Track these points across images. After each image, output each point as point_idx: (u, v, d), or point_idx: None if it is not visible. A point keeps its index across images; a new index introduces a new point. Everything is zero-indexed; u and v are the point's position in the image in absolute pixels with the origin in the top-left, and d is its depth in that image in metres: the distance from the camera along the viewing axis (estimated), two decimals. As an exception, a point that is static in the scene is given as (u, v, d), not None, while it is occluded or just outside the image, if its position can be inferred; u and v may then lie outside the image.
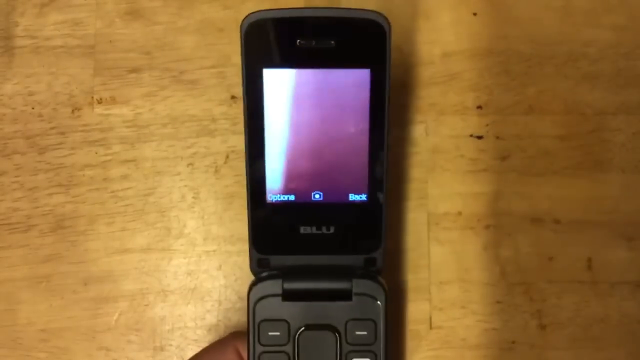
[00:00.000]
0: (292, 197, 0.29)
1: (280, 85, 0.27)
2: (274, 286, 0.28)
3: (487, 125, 0.36)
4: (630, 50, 0.36)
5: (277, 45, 0.27)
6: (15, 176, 0.35)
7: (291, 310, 0.28)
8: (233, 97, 0.35)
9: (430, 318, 0.35)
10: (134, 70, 0.35)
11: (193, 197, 0.35)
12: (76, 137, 0.35)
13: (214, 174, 0.35)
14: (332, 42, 0.27)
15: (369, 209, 0.29)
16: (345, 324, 0.28)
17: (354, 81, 0.27)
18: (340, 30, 0.27)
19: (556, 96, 0.36)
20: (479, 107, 0.36)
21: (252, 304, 0.28)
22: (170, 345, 0.34)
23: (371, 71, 0.27)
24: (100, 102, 0.35)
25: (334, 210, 0.29)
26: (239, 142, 0.35)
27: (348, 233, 0.29)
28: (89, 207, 0.35)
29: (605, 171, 0.36)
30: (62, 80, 0.35)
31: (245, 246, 0.34)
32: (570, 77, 0.36)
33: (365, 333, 0.28)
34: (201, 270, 0.34)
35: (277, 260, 0.29)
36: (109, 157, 0.35)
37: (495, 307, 0.35)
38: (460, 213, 0.35)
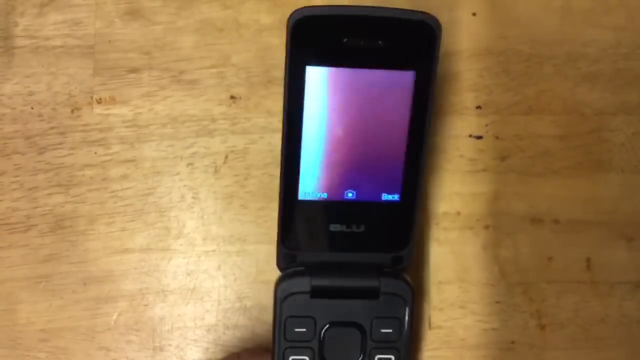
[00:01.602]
0: (324, 195, 0.29)
1: (322, 83, 0.27)
2: (302, 283, 0.28)
3: (487, 125, 0.36)
4: (630, 50, 0.36)
5: (324, 43, 0.26)
6: (15, 176, 0.35)
7: (318, 307, 0.28)
8: (232, 97, 0.35)
9: (430, 318, 0.35)
10: (134, 70, 0.35)
11: (192, 197, 0.35)
12: (76, 137, 0.35)
13: (214, 174, 0.35)
14: (380, 42, 0.26)
15: (401, 208, 0.29)
16: (371, 322, 0.29)
17: (397, 82, 0.27)
18: (389, 31, 0.26)
19: (556, 96, 0.36)
20: (478, 107, 0.36)
21: (280, 300, 0.28)
22: (170, 345, 0.34)
23: (416, 73, 0.27)
24: (99, 102, 0.35)
25: (366, 209, 0.29)
26: (238, 142, 0.35)
27: (378, 231, 0.29)
28: (89, 207, 0.35)
29: (605, 171, 0.36)
30: (61, 80, 0.35)
31: (245, 246, 0.35)
32: (570, 77, 0.36)
33: (390, 331, 0.29)
34: (200, 270, 0.34)
35: (304, 256, 0.29)
36: (108, 157, 0.35)
37: (494, 307, 0.35)
38: (459, 213, 0.35)
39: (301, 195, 0.28)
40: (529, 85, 0.36)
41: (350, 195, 0.29)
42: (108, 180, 0.35)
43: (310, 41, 0.26)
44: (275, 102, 0.35)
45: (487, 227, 0.35)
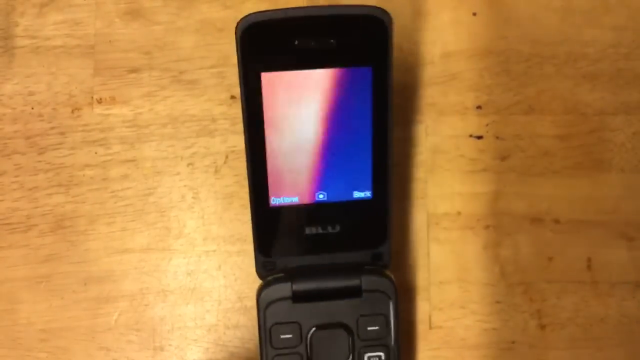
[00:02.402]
0: (295, 199, 0.29)
1: (280, 87, 0.27)
2: (283, 289, 0.28)
3: (487, 125, 0.36)
4: (630, 50, 0.36)
5: (275, 47, 0.26)
6: (15, 176, 0.35)
7: (302, 312, 0.28)
8: (233, 97, 0.35)
9: (430, 318, 0.35)
10: (134, 70, 0.35)
11: (193, 197, 0.35)
12: (76, 137, 0.35)
13: (214, 174, 0.35)
14: (332, 40, 0.26)
15: (374, 204, 0.29)
16: (357, 321, 0.28)
17: (355, 80, 0.27)
18: (340, 28, 0.26)
19: (556, 96, 0.36)
20: (479, 107, 0.36)
21: (262, 308, 0.28)
22: (170, 345, 0.34)
23: (373, 69, 0.27)
24: (100, 102, 0.35)
25: (339, 209, 0.29)
26: (238, 142, 0.35)
27: (354, 230, 0.29)
28: (89, 207, 0.35)
29: (605, 171, 0.36)
30: (62, 80, 0.35)
31: (245, 246, 0.34)
32: (570, 77, 0.36)
33: (377, 328, 0.29)
34: (201, 270, 0.34)
35: (283, 262, 0.29)
36: (109, 157, 0.35)
37: (494, 307, 0.35)
38: (459, 213, 0.35)
39: (272, 202, 0.28)
40: (529, 85, 0.36)
41: (321, 196, 0.29)
42: (108, 180, 0.35)
43: (261, 47, 0.26)
44: (276, 102, 0.35)
45: (487, 227, 0.35)
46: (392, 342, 0.29)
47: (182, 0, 0.36)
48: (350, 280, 0.28)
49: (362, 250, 0.29)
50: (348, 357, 0.29)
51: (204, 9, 0.36)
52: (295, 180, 0.28)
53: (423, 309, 0.35)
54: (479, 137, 0.36)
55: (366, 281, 0.28)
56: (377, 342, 0.29)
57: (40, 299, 0.34)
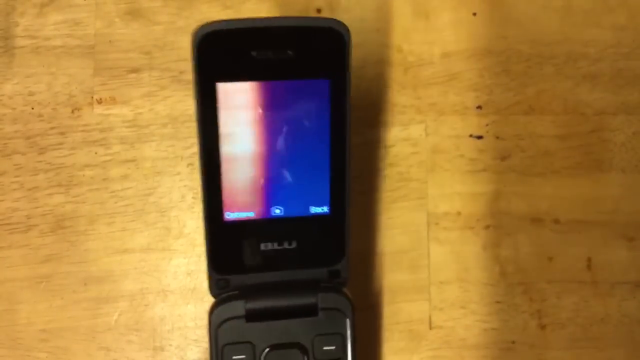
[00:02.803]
0: (251, 214, 0.28)
1: (236, 98, 0.26)
2: (236, 308, 0.27)
3: (487, 125, 0.36)
4: (630, 50, 0.36)
5: (232, 57, 0.26)
6: (15, 176, 0.35)
7: (255, 331, 0.27)
8: (233, 97, 0.35)
9: (430, 318, 0.35)
10: (134, 70, 0.35)
11: (193, 197, 0.35)
12: (76, 137, 0.35)
13: (214, 174, 0.35)
14: (290, 52, 0.25)
15: (332, 220, 0.28)
16: (312, 340, 0.28)
17: (313, 92, 0.26)
18: (298, 40, 0.26)
19: (556, 96, 0.36)
20: (479, 107, 0.36)
21: (214, 328, 0.27)
22: (170, 345, 0.34)
23: (331, 82, 0.26)
24: (100, 102, 0.35)
25: (296, 225, 0.28)
26: (238, 142, 0.35)
27: (310, 246, 0.28)
28: (89, 207, 0.35)
29: (605, 171, 0.36)
30: (62, 80, 0.35)
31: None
32: (570, 77, 0.36)
33: (333, 348, 0.28)
34: (201, 270, 0.34)
35: (237, 279, 0.28)
36: (109, 157, 0.35)
37: (494, 307, 0.35)
38: (459, 213, 0.35)
39: (226, 217, 0.27)
40: (529, 85, 0.36)
41: (277, 211, 0.28)
42: (108, 180, 0.35)
43: (217, 57, 0.25)
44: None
45: (487, 227, 0.35)
46: None
47: (182, 0, 0.36)
48: (306, 298, 0.28)
49: (319, 267, 0.28)
50: None
51: (204, 9, 0.36)
52: (250, 195, 0.27)
53: (423, 309, 0.35)
54: (479, 137, 0.36)
55: (323, 299, 0.28)
56: None
57: (40, 299, 0.34)
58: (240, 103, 0.26)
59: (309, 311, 0.28)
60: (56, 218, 0.34)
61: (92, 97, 0.35)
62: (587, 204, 0.35)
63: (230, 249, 0.28)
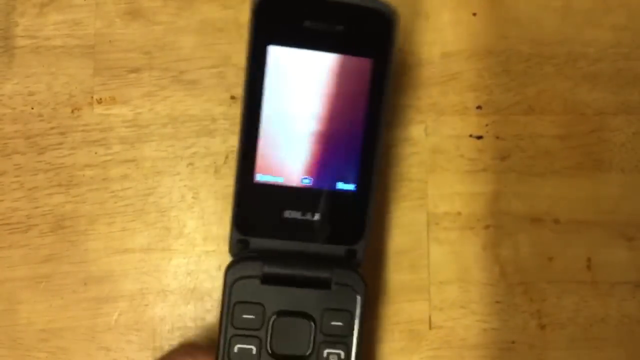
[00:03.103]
0: (280, 180, 0.28)
1: (284, 64, 0.27)
2: (254, 268, 0.28)
3: (487, 125, 0.36)
4: (630, 50, 0.36)
5: (286, 23, 0.27)
6: (15, 176, 0.35)
7: (268, 294, 0.28)
8: (233, 97, 0.35)
9: (430, 318, 0.35)
10: (134, 70, 0.35)
11: (193, 197, 0.35)
12: (76, 137, 0.35)
13: (214, 174, 0.35)
14: (340, 27, 0.27)
15: (356, 199, 0.29)
16: (322, 313, 0.28)
17: (355, 69, 0.27)
18: (349, 16, 0.27)
19: (556, 96, 0.36)
20: (479, 107, 0.36)
21: (229, 283, 0.27)
22: (170, 345, 0.34)
23: (373, 61, 0.27)
24: (100, 102, 0.35)
25: (321, 197, 0.29)
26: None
27: (332, 222, 0.29)
28: (89, 207, 0.35)
29: (605, 171, 0.36)
30: (61, 80, 0.35)
31: (245, 246, 0.34)
32: (570, 77, 0.36)
33: (340, 324, 0.28)
34: (201, 270, 0.34)
35: (257, 242, 0.28)
36: (109, 157, 0.35)
37: (494, 307, 0.35)
38: (459, 213, 0.35)
39: (257, 178, 0.28)
40: (529, 85, 0.36)
41: (306, 181, 0.28)
42: (108, 180, 0.35)
43: (272, 21, 0.27)
44: (276, 102, 0.35)
45: (487, 227, 0.35)
46: (354, 341, 0.28)
47: (182, 0, 0.36)
48: (322, 272, 0.28)
49: (337, 244, 0.29)
50: (308, 350, 0.28)
51: (204, 9, 0.36)
52: (283, 160, 0.28)
53: (423, 309, 0.35)
54: (479, 137, 0.36)
55: (337, 275, 0.28)
56: (338, 340, 0.28)
57: (40, 299, 0.34)
58: (287, 69, 0.27)
59: (323, 284, 0.28)
60: (56, 218, 0.34)
61: (92, 97, 0.35)
62: (587, 204, 0.35)
63: (255, 210, 0.29)
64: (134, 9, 0.36)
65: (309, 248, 0.29)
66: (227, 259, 0.35)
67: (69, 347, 0.34)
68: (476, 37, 0.36)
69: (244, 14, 0.36)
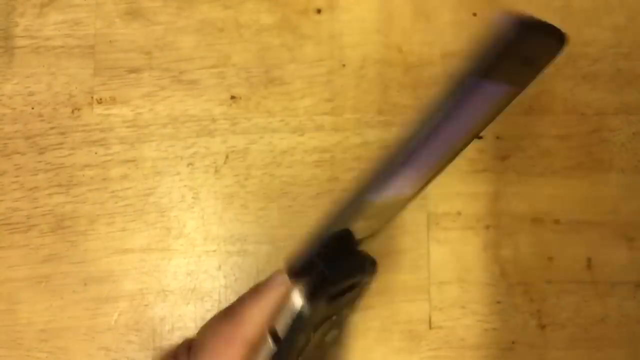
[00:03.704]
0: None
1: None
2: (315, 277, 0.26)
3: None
4: (630, 50, 0.36)
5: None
6: (15, 176, 0.35)
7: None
8: (233, 97, 0.35)
9: (430, 318, 0.35)
10: (134, 70, 0.35)
11: (193, 197, 0.35)
12: (76, 137, 0.35)
13: (214, 174, 0.35)
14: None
15: None
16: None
17: (489, 93, 0.23)
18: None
19: (556, 96, 0.36)
20: (479, 107, 0.36)
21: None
22: (170, 345, 0.34)
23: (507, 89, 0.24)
24: (100, 102, 0.35)
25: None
26: (238, 142, 0.35)
27: None
28: (89, 207, 0.35)
29: (605, 171, 0.36)
30: (62, 81, 0.35)
31: (245, 246, 0.34)
32: (570, 77, 0.36)
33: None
34: (201, 271, 0.34)
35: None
36: (109, 157, 0.35)
37: (495, 307, 0.35)
38: (459, 213, 0.35)
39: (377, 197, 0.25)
40: (529, 85, 0.36)
41: None
42: (108, 180, 0.35)
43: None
44: (275, 102, 0.35)
45: (487, 227, 0.35)
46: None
47: (182, 0, 0.36)
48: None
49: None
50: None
51: (204, 9, 0.36)
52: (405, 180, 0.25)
53: (423, 309, 0.35)
54: (479, 137, 0.36)
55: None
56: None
57: (40, 299, 0.34)
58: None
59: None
60: (56, 218, 0.34)
61: (92, 97, 0.35)
62: (587, 204, 0.35)
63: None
64: (134, 9, 0.36)
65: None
66: (227, 259, 0.35)
67: (69, 347, 0.34)
68: (476, 37, 0.36)
69: (244, 14, 0.36)
